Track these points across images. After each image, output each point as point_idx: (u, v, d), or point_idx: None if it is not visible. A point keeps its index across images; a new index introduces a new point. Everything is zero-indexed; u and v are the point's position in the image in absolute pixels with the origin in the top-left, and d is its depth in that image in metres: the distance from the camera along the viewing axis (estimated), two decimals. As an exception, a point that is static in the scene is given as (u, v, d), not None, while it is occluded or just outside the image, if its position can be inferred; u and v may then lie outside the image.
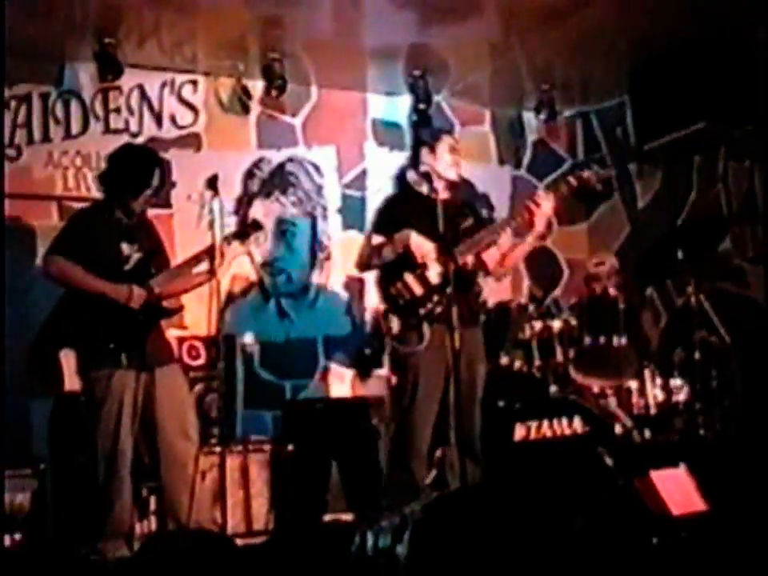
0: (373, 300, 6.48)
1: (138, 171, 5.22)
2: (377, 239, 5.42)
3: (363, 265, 5.63)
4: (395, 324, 5.23)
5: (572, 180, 5.41)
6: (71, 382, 5.40)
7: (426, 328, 5.19)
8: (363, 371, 7.02)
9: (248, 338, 7.00)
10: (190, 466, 5.11)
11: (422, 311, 5.19)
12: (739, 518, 4.35)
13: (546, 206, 5.28)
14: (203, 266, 5.21)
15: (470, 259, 5.34)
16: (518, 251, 5.56)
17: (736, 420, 6.22)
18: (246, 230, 5.50)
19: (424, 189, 5.43)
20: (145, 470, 5.26)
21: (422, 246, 5.21)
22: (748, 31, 6.82)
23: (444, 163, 5.41)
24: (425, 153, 5.45)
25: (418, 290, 5.21)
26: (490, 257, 5.48)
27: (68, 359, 5.34)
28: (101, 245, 5.09)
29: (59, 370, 5.45)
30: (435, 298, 5.18)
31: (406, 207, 5.46)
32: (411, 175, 5.56)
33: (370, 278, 6.16)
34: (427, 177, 5.36)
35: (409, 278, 5.23)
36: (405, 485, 5.19)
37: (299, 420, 6.42)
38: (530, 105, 8.23)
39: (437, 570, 3.18)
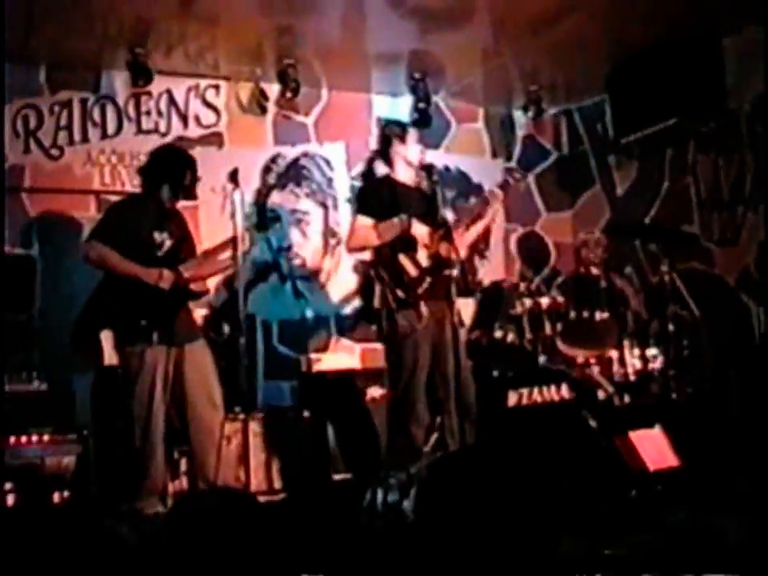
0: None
1: (174, 170, 5.27)
2: (364, 221, 5.39)
3: (355, 247, 5.65)
4: (388, 299, 5.24)
5: (510, 180, 5.52)
6: (110, 357, 5.45)
7: (423, 306, 5.22)
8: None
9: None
10: (216, 432, 5.16)
11: (419, 290, 5.22)
12: (708, 470, 4.40)
13: (496, 203, 5.36)
14: (227, 253, 5.26)
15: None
16: (472, 231, 5.61)
17: (704, 385, 6.25)
18: (266, 221, 5.54)
19: (400, 176, 5.47)
20: (176, 435, 5.31)
21: (418, 230, 5.25)
22: (713, 37, 6.84)
23: (413, 151, 5.43)
24: (396, 143, 5.45)
25: (413, 271, 5.23)
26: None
27: (107, 337, 5.39)
28: (135, 232, 5.11)
29: (99, 347, 5.50)
30: (428, 278, 5.21)
31: (387, 193, 5.42)
32: (380, 167, 5.60)
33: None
34: (402, 164, 5.43)
35: (403, 260, 5.25)
36: (406, 449, 5.22)
37: (314, 389, 6.46)
38: (519, 103, 8.22)
39: (440, 523, 3.22)
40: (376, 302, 5.32)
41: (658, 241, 6.11)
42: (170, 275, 5.07)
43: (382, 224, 5.30)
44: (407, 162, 5.41)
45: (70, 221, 6.57)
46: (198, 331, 5.51)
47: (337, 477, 6.01)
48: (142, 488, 5.02)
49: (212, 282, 5.78)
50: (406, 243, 5.26)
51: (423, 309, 5.21)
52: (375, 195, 5.51)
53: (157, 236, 5.17)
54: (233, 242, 5.13)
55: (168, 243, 5.20)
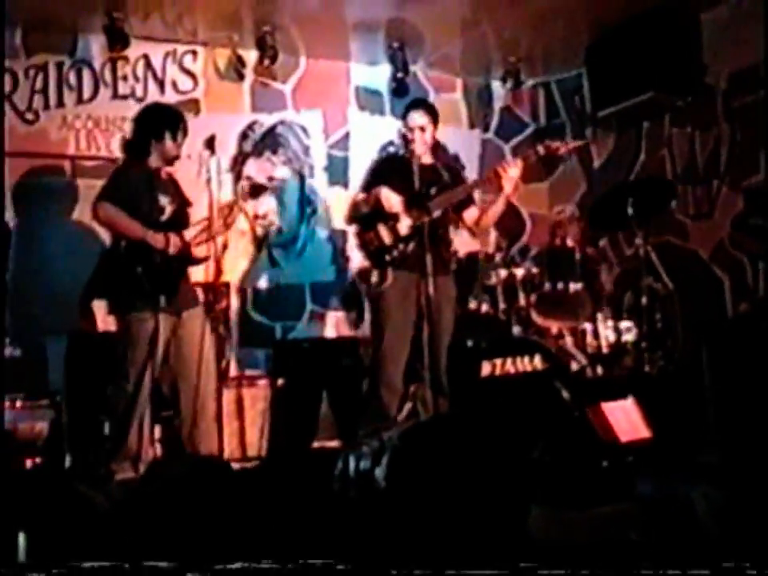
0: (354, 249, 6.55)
1: (153, 126, 5.22)
2: (360, 196, 5.54)
3: (348, 218, 5.73)
4: (372, 271, 5.35)
5: (540, 149, 5.45)
6: (103, 323, 5.43)
7: (389, 272, 5.28)
8: (351, 312, 7.03)
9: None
10: (207, 401, 5.14)
11: (387, 257, 5.28)
12: (679, 442, 4.42)
13: (513, 171, 5.32)
14: (220, 220, 5.24)
15: (438, 214, 5.40)
16: (492, 212, 5.61)
17: (677, 358, 6.28)
18: (258, 189, 5.55)
19: (403, 151, 5.54)
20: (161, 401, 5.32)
21: (389, 198, 5.31)
22: (691, 12, 6.85)
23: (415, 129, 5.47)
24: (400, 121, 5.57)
25: (387, 239, 5.32)
26: (469, 216, 5.58)
27: (99, 307, 5.37)
28: (141, 196, 5.08)
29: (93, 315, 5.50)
30: (401, 246, 5.25)
31: (387, 168, 5.57)
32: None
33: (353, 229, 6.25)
34: (404, 140, 5.47)
35: (381, 228, 5.34)
36: (377, 412, 5.27)
37: (288, 357, 6.46)
38: (498, 75, 8.19)
39: (411, 491, 3.22)
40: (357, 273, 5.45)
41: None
42: (176, 240, 5.06)
43: (365, 196, 5.47)
44: (410, 138, 5.48)
45: (45, 186, 6.52)
46: (197, 298, 5.45)
47: (316, 444, 6.01)
48: (119, 453, 5.00)
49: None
50: (384, 214, 5.34)
51: (389, 273, 5.28)
52: (373, 172, 5.67)
53: (161, 200, 5.15)
54: (229, 208, 5.20)
55: (170, 209, 5.17)
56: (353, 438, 5.33)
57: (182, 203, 5.27)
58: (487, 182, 5.58)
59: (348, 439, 5.72)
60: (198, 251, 5.25)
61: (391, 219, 5.32)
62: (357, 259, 5.49)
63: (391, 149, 5.67)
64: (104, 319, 5.43)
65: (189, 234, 5.22)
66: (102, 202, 5.05)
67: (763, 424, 4.32)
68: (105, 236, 6.39)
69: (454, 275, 5.71)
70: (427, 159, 5.48)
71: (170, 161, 5.26)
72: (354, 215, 5.58)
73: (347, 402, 6.05)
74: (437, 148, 5.66)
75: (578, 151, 7.98)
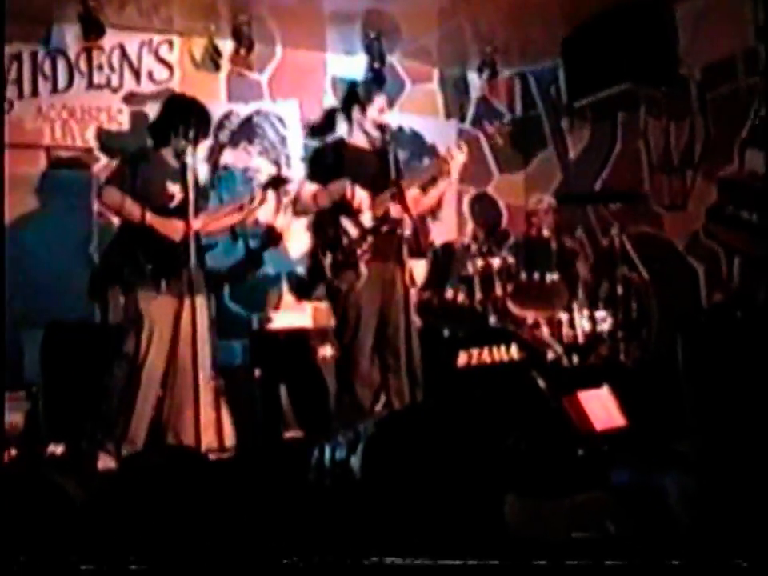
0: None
1: (177, 118, 5.20)
2: (310, 187, 5.38)
3: (300, 211, 5.62)
4: (328, 260, 5.24)
5: (479, 133, 5.44)
6: (115, 315, 5.43)
7: (362, 266, 5.22)
8: (301, 298, 6.97)
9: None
10: (197, 392, 5.09)
11: (358, 251, 5.21)
12: (654, 431, 4.45)
13: (459, 157, 5.27)
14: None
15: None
16: (432, 194, 5.53)
17: (651, 347, 6.32)
18: (278, 182, 5.56)
19: (355, 140, 5.43)
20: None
21: (357, 194, 5.20)
22: (666, 3, 6.88)
23: (374, 113, 5.36)
24: (356, 108, 5.41)
25: (354, 232, 5.23)
26: (409, 199, 5.45)
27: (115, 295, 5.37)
28: (150, 182, 5.11)
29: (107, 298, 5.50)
30: (369, 239, 5.20)
31: (337, 157, 5.40)
32: (343, 127, 5.55)
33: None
34: (363, 126, 5.38)
35: (345, 221, 5.23)
36: (351, 407, 5.25)
37: (265, 348, 6.45)
38: (474, 65, 8.19)
39: (386, 480, 3.23)
40: (318, 263, 5.33)
41: (611, 201, 6.16)
42: (181, 226, 5.04)
43: (321, 190, 5.30)
44: (369, 124, 5.37)
45: (20, 175, 6.47)
46: (203, 286, 5.40)
47: (288, 435, 6.00)
48: (109, 434, 5.01)
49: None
50: (349, 205, 5.22)
51: (362, 268, 5.21)
52: (323, 161, 5.47)
53: (170, 187, 5.15)
54: (251, 201, 5.28)
55: (179, 196, 5.17)
56: (321, 430, 5.33)
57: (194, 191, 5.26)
58: (437, 165, 5.51)
59: (313, 429, 5.72)
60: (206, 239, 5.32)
61: (353, 212, 5.22)
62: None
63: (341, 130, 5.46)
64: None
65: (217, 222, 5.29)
66: (106, 186, 5.14)
67: (737, 413, 4.35)
68: (82, 227, 6.44)
69: (430, 264, 5.71)
70: (374, 146, 5.38)
71: (180, 155, 5.26)
72: (307, 209, 5.50)
73: (317, 392, 6.06)
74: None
75: (553, 138, 8.04)
